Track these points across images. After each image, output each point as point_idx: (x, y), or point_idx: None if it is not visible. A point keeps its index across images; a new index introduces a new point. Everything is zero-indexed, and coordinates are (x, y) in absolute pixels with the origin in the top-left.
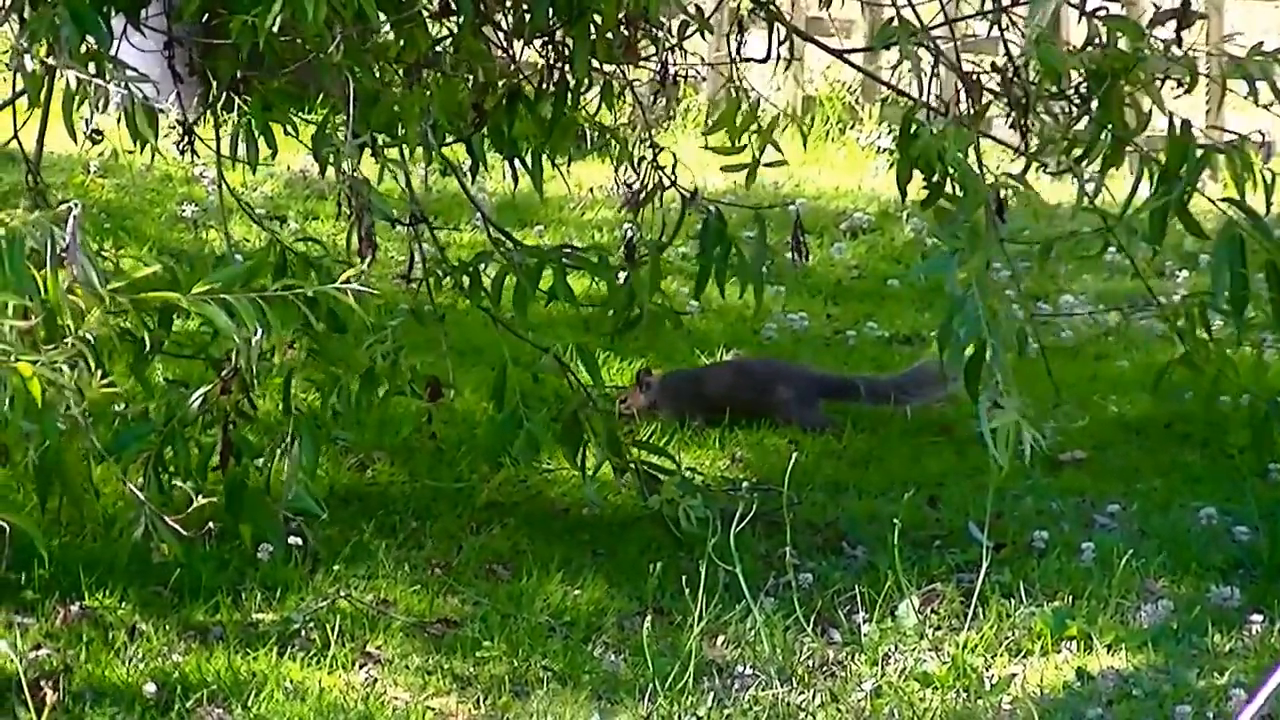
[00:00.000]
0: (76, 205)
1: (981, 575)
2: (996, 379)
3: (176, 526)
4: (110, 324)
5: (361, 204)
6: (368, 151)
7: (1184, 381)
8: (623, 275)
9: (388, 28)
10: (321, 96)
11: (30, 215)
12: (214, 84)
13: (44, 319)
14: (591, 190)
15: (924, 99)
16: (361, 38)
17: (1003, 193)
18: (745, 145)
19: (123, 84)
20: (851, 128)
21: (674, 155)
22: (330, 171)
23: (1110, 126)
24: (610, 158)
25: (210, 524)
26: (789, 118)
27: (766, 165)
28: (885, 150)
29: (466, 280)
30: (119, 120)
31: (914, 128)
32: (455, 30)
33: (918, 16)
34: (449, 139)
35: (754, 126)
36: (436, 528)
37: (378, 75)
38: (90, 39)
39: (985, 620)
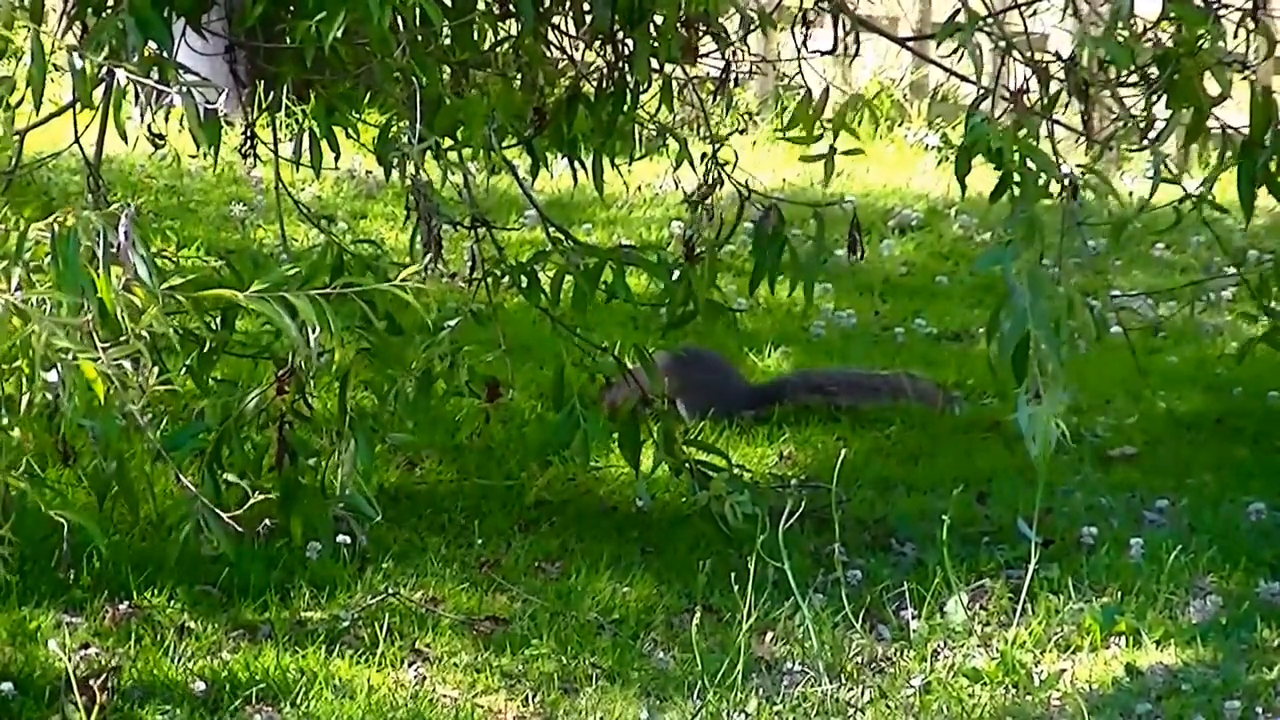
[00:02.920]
0: (131, 204)
1: (1030, 571)
2: (1039, 371)
3: (230, 523)
4: (171, 324)
5: (430, 208)
6: (428, 154)
7: (1267, 358)
8: (676, 272)
9: (447, 31)
10: (372, 97)
11: (85, 213)
12: (261, 87)
13: (101, 318)
14: (640, 188)
15: (994, 89)
16: (425, 40)
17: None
18: (821, 135)
19: (186, 89)
20: (900, 124)
21: (735, 152)
22: (380, 171)
23: (1186, 103)
24: (667, 155)
25: (265, 522)
26: (862, 104)
27: (843, 154)
28: (934, 148)
29: (524, 280)
30: (168, 119)
31: (979, 120)
32: (515, 33)
33: (973, 5)
34: (508, 141)
35: (825, 118)
36: (486, 526)
37: (439, 79)
38: (152, 44)
39: (1034, 616)
